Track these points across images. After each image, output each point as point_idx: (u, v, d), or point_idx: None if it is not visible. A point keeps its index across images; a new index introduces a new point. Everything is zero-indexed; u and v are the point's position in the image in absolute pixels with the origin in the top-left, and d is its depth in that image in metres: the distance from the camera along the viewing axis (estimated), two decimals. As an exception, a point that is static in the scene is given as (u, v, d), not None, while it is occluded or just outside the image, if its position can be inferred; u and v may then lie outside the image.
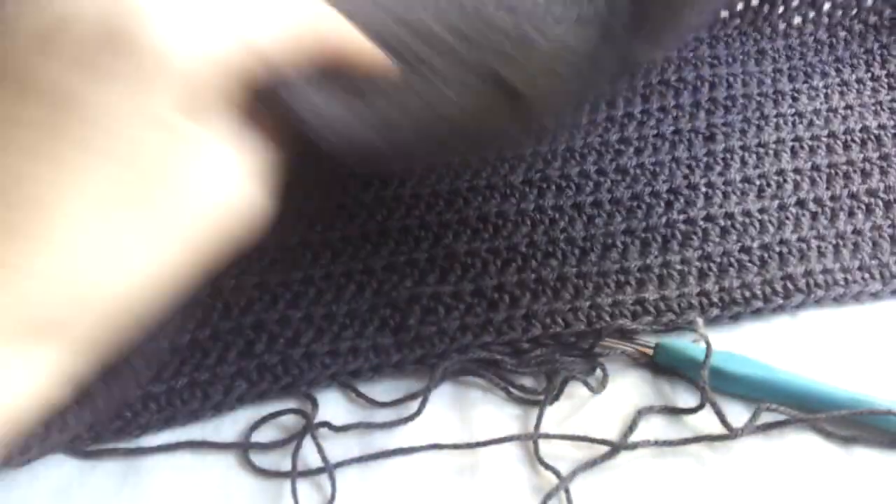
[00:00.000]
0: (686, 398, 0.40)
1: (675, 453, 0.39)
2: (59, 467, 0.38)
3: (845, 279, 0.42)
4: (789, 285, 0.42)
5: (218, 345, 0.40)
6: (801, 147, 0.46)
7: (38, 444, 0.36)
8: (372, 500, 0.38)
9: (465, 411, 0.40)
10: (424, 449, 0.39)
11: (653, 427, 0.39)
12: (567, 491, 0.37)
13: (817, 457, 0.38)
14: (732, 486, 0.38)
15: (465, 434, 0.39)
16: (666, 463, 0.38)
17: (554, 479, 0.37)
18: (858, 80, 0.48)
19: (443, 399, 0.40)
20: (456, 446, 0.38)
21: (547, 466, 0.38)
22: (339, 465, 0.38)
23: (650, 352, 0.41)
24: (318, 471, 0.38)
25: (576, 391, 0.40)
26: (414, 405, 0.39)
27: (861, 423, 0.38)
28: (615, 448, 0.38)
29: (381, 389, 0.40)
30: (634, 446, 0.38)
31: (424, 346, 0.40)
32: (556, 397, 0.40)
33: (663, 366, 0.41)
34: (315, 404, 0.39)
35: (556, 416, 0.40)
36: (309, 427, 0.38)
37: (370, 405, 0.40)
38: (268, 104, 0.23)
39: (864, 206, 0.44)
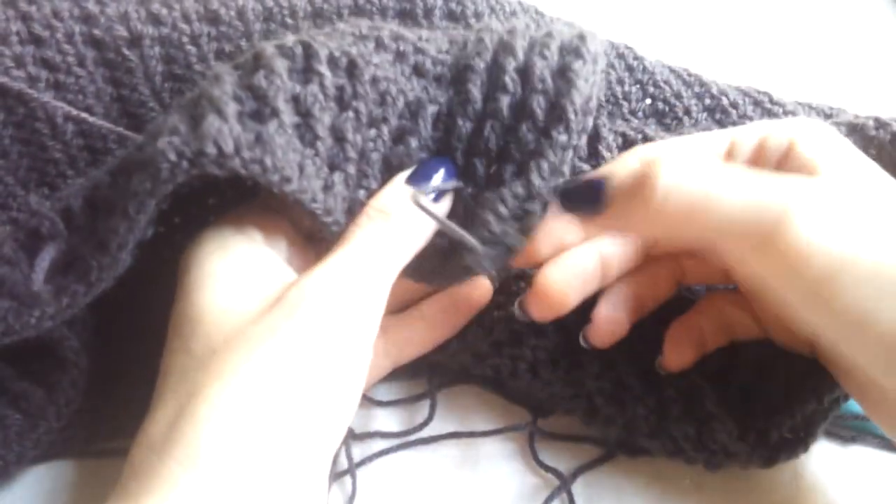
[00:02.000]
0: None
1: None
2: (58, 468, 0.38)
3: None
4: None
5: None
6: None
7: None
8: (372, 500, 0.38)
9: (465, 414, 0.40)
10: (443, 438, 0.39)
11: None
12: (569, 493, 0.37)
13: (817, 457, 0.38)
14: (733, 485, 0.38)
15: (464, 439, 0.39)
16: (666, 463, 0.38)
17: (555, 481, 0.38)
18: None
19: (444, 402, 0.40)
20: (471, 434, 0.39)
21: (547, 468, 0.38)
22: (360, 464, 0.38)
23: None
24: (342, 473, 0.38)
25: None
26: (416, 407, 0.40)
27: (863, 427, 0.39)
28: (616, 449, 0.39)
29: (381, 391, 0.40)
30: (635, 447, 0.38)
31: None
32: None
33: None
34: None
35: (558, 417, 0.40)
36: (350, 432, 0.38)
37: (372, 404, 0.40)
38: None
39: None
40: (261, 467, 0.27)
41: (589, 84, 0.33)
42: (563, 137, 0.33)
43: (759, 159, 0.33)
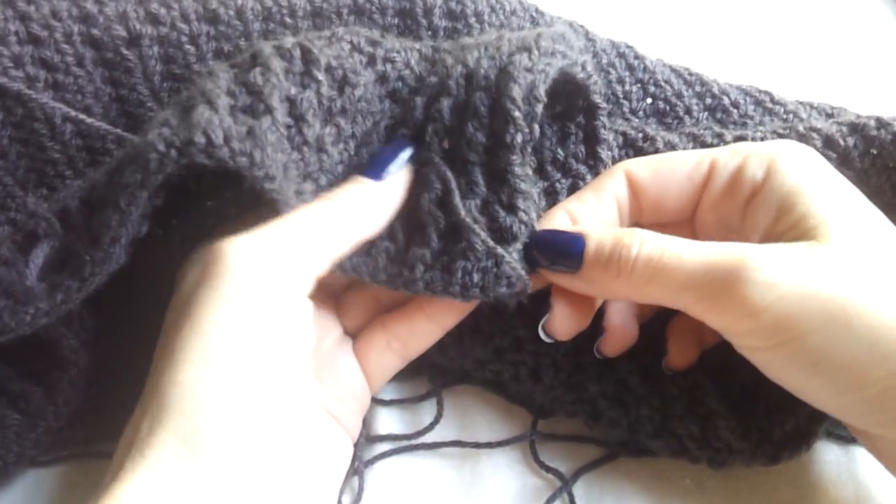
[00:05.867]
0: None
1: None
2: (58, 468, 0.38)
3: None
4: None
5: None
6: None
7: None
8: (375, 499, 0.38)
9: (467, 415, 0.40)
10: (445, 445, 0.39)
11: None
12: (570, 494, 0.37)
13: (818, 457, 0.38)
14: (734, 486, 0.38)
15: (466, 438, 0.39)
16: (667, 463, 0.38)
17: (556, 482, 0.38)
18: None
19: (446, 402, 0.40)
20: (476, 445, 0.39)
21: (549, 469, 0.38)
22: (365, 464, 0.38)
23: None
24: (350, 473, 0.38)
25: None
26: (419, 407, 0.40)
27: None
28: (618, 449, 0.39)
29: (384, 390, 0.40)
30: (636, 448, 0.38)
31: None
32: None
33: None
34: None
35: (559, 417, 0.40)
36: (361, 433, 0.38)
37: (376, 404, 0.40)
38: None
39: None
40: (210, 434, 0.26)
41: (535, 73, 0.33)
42: (518, 138, 0.33)
43: (737, 182, 0.33)
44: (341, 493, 0.37)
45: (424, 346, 0.36)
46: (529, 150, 0.33)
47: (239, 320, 0.28)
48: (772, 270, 0.29)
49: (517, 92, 0.32)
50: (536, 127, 0.33)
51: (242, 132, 0.30)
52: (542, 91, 0.33)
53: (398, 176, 0.34)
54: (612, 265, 0.31)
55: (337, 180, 0.34)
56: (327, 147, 0.33)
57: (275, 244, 0.29)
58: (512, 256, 0.32)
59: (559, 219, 0.35)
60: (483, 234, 0.32)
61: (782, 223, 0.31)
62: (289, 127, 0.32)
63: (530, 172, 0.34)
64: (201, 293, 0.28)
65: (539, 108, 0.33)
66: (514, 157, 0.33)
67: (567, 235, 0.33)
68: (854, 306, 0.28)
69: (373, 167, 0.34)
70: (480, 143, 0.33)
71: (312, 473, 0.29)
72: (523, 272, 0.33)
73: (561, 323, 0.35)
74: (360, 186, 0.33)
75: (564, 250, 0.33)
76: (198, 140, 0.29)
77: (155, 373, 0.29)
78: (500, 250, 0.32)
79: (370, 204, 0.33)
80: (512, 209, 0.33)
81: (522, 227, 0.33)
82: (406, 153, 0.34)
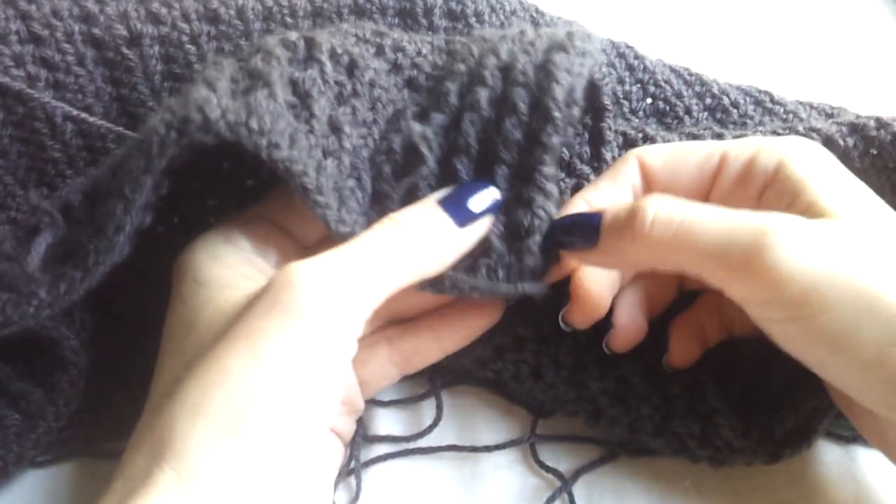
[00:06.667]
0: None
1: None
2: (58, 468, 0.38)
3: None
4: None
5: None
6: None
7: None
8: (374, 499, 0.38)
9: (467, 415, 0.40)
10: (442, 450, 0.39)
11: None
12: (570, 493, 0.37)
13: (818, 457, 0.38)
14: (734, 486, 0.38)
15: (466, 439, 0.39)
16: (667, 463, 0.38)
17: (556, 482, 0.38)
18: None
19: (446, 403, 0.40)
20: (473, 448, 0.39)
21: (548, 469, 0.38)
22: (364, 464, 0.38)
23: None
24: (348, 473, 0.38)
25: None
26: (418, 407, 0.40)
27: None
28: (618, 449, 0.39)
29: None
30: (636, 448, 0.38)
31: None
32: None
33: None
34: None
35: (558, 417, 0.40)
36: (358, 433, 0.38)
37: (375, 405, 0.40)
38: None
39: None
40: (231, 466, 0.26)
41: (573, 75, 0.33)
42: (554, 139, 0.33)
43: (748, 175, 0.33)
44: (336, 490, 0.37)
45: (423, 365, 0.36)
46: (560, 152, 0.33)
47: (289, 374, 0.27)
48: (797, 241, 0.28)
49: (559, 93, 0.33)
50: (571, 130, 0.33)
51: (239, 106, 0.30)
52: (580, 94, 0.33)
53: (480, 224, 0.33)
54: (628, 230, 0.31)
55: (363, 166, 0.34)
56: (343, 127, 0.33)
57: (346, 279, 0.29)
58: (531, 249, 0.33)
59: (577, 207, 0.35)
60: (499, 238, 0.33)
61: (796, 207, 0.31)
62: (293, 106, 0.32)
63: (557, 173, 0.34)
64: (267, 327, 0.27)
65: (576, 112, 0.33)
66: (546, 157, 0.33)
67: (584, 216, 0.33)
68: (876, 286, 0.28)
69: (453, 201, 0.33)
70: (516, 142, 0.33)
71: (302, 480, 0.29)
72: (541, 261, 0.33)
73: (579, 312, 0.35)
74: (436, 220, 0.32)
75: (582, 225, 0.33)
76: (194, 117, 0.29)
77: (168, 393, 0.28)
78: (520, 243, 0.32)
79: (445, 244, 0.32)
80: (531, 206, 0.33)
81: (540, 223, 0.33)
82: (493, 198, 0.33)
